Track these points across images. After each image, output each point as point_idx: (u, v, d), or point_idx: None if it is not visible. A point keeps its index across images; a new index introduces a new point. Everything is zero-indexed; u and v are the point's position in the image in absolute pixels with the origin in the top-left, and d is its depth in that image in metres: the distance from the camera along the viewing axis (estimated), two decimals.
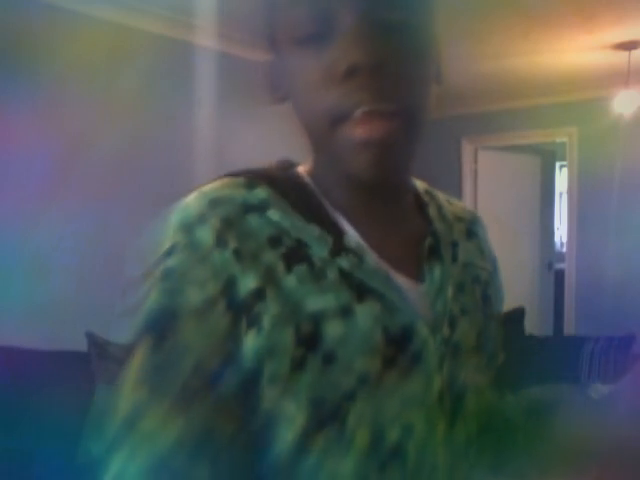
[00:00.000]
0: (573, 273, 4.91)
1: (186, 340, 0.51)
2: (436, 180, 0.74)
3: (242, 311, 0.52)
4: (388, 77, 0.52)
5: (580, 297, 4.81)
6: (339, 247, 0.57)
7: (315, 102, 0.55)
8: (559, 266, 5.61)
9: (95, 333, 2.62)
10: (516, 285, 4.67)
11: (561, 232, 6.84)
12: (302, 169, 0.64)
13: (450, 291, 0.63)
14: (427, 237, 0.65)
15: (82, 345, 2.59)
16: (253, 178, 0.59)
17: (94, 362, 2.56)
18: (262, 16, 0.60)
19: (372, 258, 0.58)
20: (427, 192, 0.70)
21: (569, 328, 4.89)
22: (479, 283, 0.69)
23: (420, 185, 0.71)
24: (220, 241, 0.53)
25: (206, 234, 0.53)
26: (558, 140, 5.09)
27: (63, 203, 2.83)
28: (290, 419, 0.53)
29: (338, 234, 0.58)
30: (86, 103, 2.91)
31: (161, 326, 0.52)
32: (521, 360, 2.71)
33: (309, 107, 0.56)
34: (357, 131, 0.53)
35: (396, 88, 0.53)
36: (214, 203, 0.55)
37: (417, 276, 0.62)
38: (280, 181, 0.60)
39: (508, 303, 0.83)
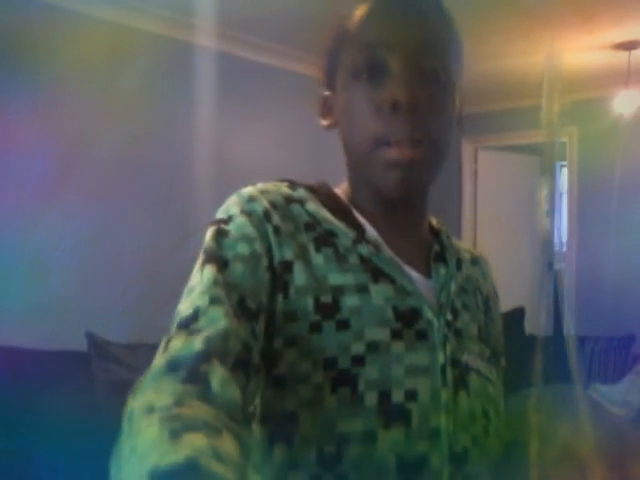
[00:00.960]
0: (573, 273, 4.90)
1: (235, 278, 0.62)
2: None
3: (275, 276, 0.64)
4: (421, 114, 0.65)
5: (580, 297, 4.81)
6: (360, 238, 0.68)
7: (363, 128, 0.67)
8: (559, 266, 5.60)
9: (95, 333, 2.62)
10: (516, 285, 4.67)
11: (561, 232, 6.83)
12: (337, 189, 0.76)
13: (453, 288, 0.72)
14: (435, 245, 0.75)
15: (82, 345, 2.59)
16: (295, 183, 0.72)
17: (94, 362, 2.56)
18: (325, 59, 0.73)
19: (388, 250, 0.69)
20: (439, 222, 0.81)
21: (569, 328, 4.88)
22: (481, 293, 0.79)
23: (433, 219, 0.82)
24: (267, 215, 0.66)
25: (257, 207, 0.66)
26: (558, 140, 5.09)
27: (63, 203, 2.83)
28: (306, 378, 0.61)
29: (360, 230, 0.69)
30: (86, 103, 2.91)
31: (218, 263, 0.62)
32: (521, 360, 2.71)
33: (357, 132, 0.68)
34: (391, 154, 0.66)
35: (426, 123, 0.66)
36: (263, 191, 0.69)
37: (425, 273, 0.72)
38: (317, 190, 0.73)
39: (508, 303, 0.84)
